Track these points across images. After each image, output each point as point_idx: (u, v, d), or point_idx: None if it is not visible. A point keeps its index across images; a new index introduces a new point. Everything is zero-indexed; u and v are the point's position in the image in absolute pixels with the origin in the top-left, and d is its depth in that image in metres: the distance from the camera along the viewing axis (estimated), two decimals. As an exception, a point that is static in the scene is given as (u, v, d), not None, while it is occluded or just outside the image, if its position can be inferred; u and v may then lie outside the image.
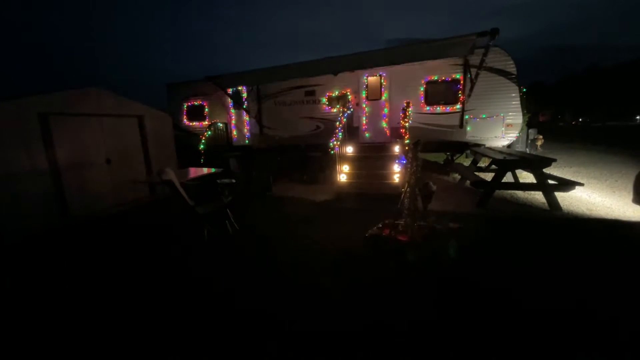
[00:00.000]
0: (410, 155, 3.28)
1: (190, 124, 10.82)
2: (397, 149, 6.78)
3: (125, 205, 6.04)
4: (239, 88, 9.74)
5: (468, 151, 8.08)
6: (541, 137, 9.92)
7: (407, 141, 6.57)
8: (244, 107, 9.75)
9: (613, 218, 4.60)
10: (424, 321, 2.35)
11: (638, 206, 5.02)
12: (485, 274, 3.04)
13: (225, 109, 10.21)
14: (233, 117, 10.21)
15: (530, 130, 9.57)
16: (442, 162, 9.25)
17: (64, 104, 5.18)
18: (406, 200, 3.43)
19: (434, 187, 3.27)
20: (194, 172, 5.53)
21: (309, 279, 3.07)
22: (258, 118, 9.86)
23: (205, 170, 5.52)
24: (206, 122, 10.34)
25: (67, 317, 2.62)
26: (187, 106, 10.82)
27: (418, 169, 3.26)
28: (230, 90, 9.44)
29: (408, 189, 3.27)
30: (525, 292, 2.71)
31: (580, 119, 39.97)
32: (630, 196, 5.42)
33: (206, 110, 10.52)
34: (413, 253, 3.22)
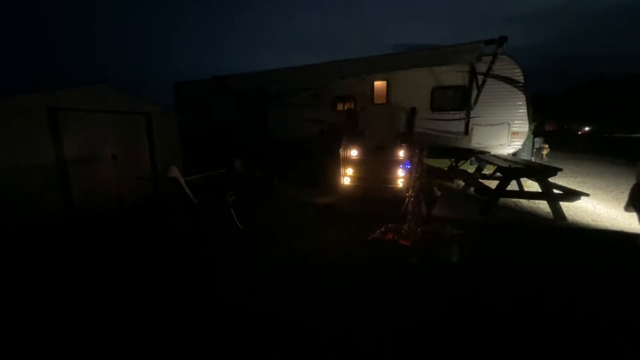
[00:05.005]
0: (415, 160, 3.28)
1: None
2: (401, 153, 6.77)
3: (129, 201, 6.07)
4: (246, 89, 9.80)
5: (473, 158, 8.05)
6: (547, 146, 9.86)
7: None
8: (250, 108, 9.81)
9: (618, 230, 4.56)
10: (426, 322, 2.34)
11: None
12: (485, 281, 3.02)
13: (231, 109, 10.28)
14: (238, 118, 10.27)
15: (536, 139, 9.53)
16: (445, 169, 9.21)
17: (73, 99, 5.26)
18: (410, 205, 3.42)
19: (438, 193, 3.27)
20: (198, 170, 5.57)
21: (311, 281, 3.07)
22: (263, 119, 9.91)
23: (209, 169, 5.57)
24: (212, 122, 10.41)
25: (58, 309, 2.63)
26: (194, 105, 10.90)
27: (423, 174, 3.26)
28: (236, 91, 9.52)
29: (412, 194, 3.26)
30: (525, 302, 2.69)
31: (586, 129, 39.64)
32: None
33: (212, 110, 10.60)
34: (415, 258, 3.21)
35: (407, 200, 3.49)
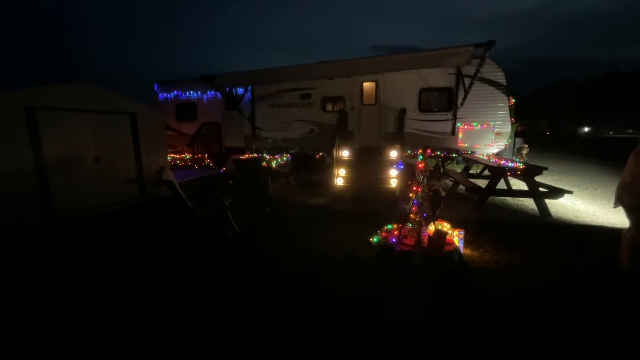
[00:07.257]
0: (420, 161, 3.33)
1: (181, 123, 10.53)
2: (392, 154, 6.87)
3: (115, 205, 5.76)
4: (233, 88, 9.59)
5: (460, 158, 8.30)
6: (527, 145, 10.41)
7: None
8: (238, 107, 9.61)
9: (599, 225, 4.84)
10: (434, 322, 2.39)
11: (619, 214, 5.30)
12: (487, 280, 3.12)
13: (218, 108, 10.02)
14: (225, 118, 10.03)
15: (516, 139, 10.01)
16: (431, 168, 9.45)
17: (52, 98, 4.91)
18: (413, 205, 3.47)
19: (444, 193, 3.34)
20: (187, 172, 5.39)
21: (314, 285, 3.03)
22: (251, 119, 9.74)
23: (198, 171, 5.39)
24: (197, 122, 10.09)
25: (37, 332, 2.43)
26: (178, 105, 10.53)
27: (427, 174, 3.31)
28: (224, 90, 9.29)
29: (419, 194, 3.31)
30: (525, 299, 2.79)
31: (551, 129, 42.05)
32: (611, 204, 5.74)
33: (197, 109, 10.28)
34: (420, 258, 3.25)
35: (411, 200, 3.53)
